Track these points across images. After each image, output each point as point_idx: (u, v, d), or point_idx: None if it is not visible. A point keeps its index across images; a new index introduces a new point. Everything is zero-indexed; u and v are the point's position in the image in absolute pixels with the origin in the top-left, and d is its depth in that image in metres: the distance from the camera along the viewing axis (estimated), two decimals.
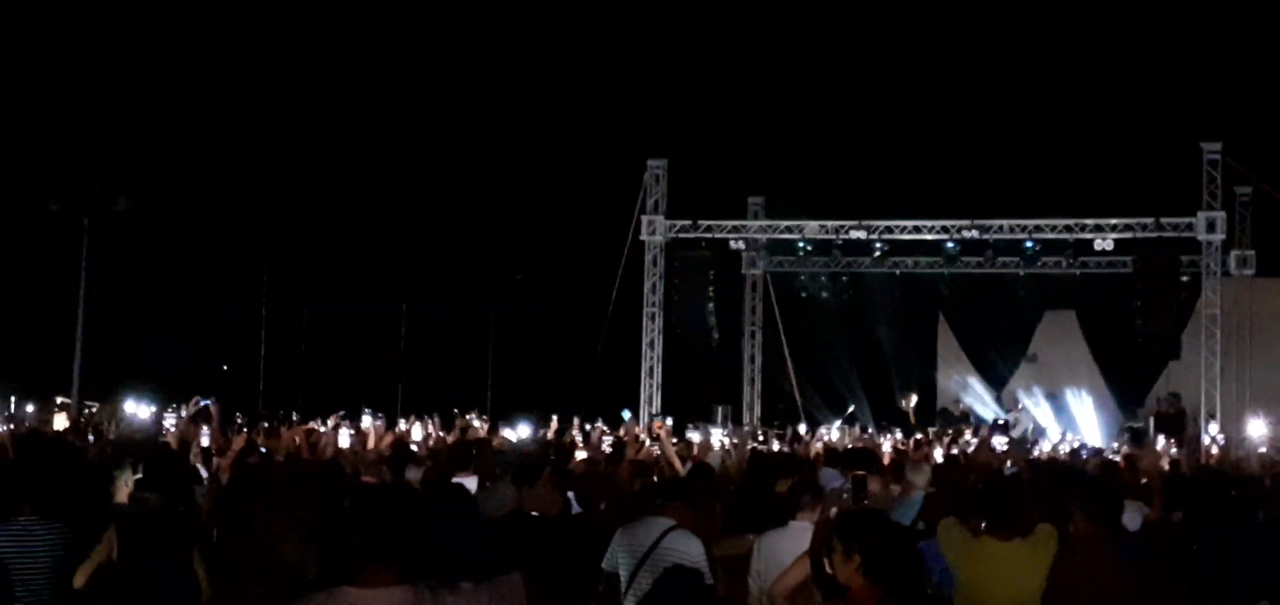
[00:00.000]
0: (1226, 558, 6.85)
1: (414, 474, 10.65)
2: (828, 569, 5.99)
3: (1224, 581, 6.75)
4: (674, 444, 14.39)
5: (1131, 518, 8.09)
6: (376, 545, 6.98)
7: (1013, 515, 6.60)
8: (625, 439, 14.66)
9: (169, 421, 13.24)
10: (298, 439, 14.48)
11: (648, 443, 13.74)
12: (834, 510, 6.79)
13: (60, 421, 18.19)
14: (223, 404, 14.89)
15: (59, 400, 20.08)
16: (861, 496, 7.29)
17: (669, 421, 20.91)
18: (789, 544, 7.04)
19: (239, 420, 18.53)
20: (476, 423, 17.57)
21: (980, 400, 28.65)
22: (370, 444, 14.32)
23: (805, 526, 7.12)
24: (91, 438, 13.42)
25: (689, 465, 10.79)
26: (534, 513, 8.07)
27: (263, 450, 12.63)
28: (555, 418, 18.21)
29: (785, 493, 8.31)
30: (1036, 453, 19.77)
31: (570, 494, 8.97)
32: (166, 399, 16.89)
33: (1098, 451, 19.45)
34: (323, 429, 16.07)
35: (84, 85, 24.18)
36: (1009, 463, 13.32)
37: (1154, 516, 8.62)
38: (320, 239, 28.25)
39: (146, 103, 25.60)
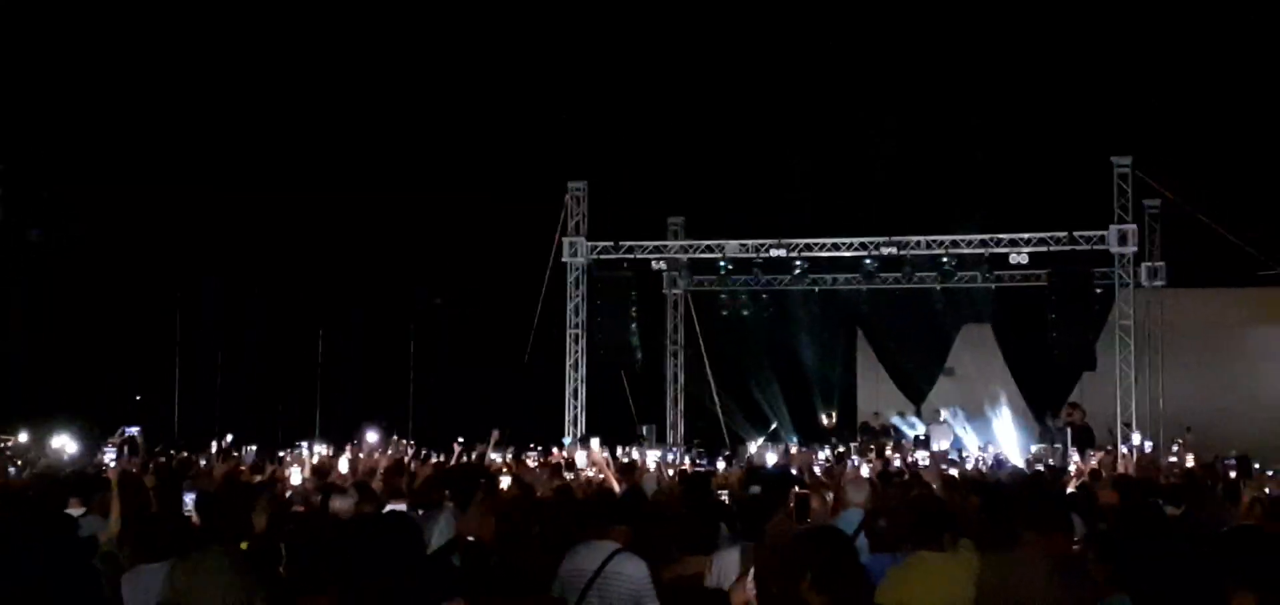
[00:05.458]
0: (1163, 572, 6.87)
1: (341, 504, 10.48)
2: (774, 589, 5.95)
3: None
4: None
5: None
6: (311, 574, 6.86)
7: (930, 528, 6.60)
8: (561, 462, 14.55)
9: (108, 455, 12.96)
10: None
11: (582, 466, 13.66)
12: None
13: None
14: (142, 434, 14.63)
15: None
16: (805, 515, 7.29)
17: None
18: (741, 562, 7.03)
19: (158, 451, 18.20)
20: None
21: (900, 414, 28.91)
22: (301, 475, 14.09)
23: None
24: (11, 471, 13.10)
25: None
26: (470, 537, 8.01)
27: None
28: (459, 441, 17.78)
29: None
30: (956, 467, 19.94)
31: None
32: (90, 430, 16.54)
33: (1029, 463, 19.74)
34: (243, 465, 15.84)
35: None
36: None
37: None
38: (234, 263, 27.78)
39: (56, 132, 25.08)
